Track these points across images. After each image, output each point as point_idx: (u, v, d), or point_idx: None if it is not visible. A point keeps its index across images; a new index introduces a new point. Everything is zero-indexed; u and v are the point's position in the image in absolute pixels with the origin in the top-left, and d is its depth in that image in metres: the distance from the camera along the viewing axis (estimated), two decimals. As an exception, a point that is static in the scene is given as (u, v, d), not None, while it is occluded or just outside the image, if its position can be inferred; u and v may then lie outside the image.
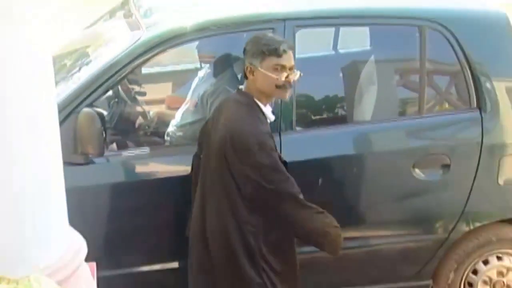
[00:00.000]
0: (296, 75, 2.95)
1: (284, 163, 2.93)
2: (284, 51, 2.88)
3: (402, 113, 3.86)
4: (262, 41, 2.94)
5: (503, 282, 3.79)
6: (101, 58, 3.40)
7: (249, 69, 2.94)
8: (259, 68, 2.89)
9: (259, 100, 2.96)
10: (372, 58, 3.82)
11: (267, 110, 2.99)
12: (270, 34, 3.09)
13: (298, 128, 3.41)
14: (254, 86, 2.95)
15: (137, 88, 4.18)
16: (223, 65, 3.93)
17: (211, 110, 3.72)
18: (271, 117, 3.01)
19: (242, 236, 2.88)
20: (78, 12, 5.74)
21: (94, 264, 2.39)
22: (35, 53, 1.87)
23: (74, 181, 2.61)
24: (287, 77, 2.88)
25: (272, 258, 2.95)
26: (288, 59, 2.90)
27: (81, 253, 2.13)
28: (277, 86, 2.89)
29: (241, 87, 3.05)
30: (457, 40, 3.50)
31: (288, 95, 2.97)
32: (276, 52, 2.87)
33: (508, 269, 3.78)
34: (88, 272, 2.22)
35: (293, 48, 2.99)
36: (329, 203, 3.46)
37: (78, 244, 2.15)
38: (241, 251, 2.89)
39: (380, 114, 3.72)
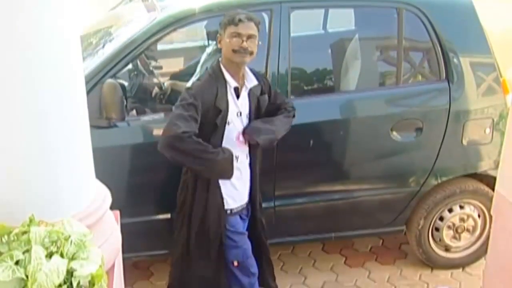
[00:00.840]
0: (254, 44, 2.89)
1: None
2: (240, 20, 2.86)
3: (382, 84, 3.85)
4: (228, 14, 2.93)
5: (464, 227, 3.86)
6: (122, 36, 3.38)
7: (218, 39, 2.97)
8: (223, 37, 2.91)
9: (227, 66, 2.94)
10: (357, 36, 3.78)
11: (228, 75, 2.93)
12: (242, 11, 2.98)
13: (292, 97, 3.40)
14: (223, 54, 2.96)
15: (153, 62, 4.17)
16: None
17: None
18: (230, 83, 2.94)
19: None
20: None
21: (118, 212, 2.39)
22: (66, 33, 1.87)
23: (100, 142, 2.63)
24: (242, 43, 2.85)
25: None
26: (244, 28, 2.86)
27: (106, 202, 2.13)
28: (233, 51, 2.87)
29: None
30: (429, 21, 3.50)
31: (244, 60, 2.90)
32: (233, 22, 2.86)
33: (468, 216, 3.84)
34: (113, 218, 2.23)
35: (253, 20, 2.90)
36: (319, 161, 3.52)
37: (104, 194, 2.15)
38: None
39: (363, 85, 3.70)
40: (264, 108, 3.10)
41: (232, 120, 2.97)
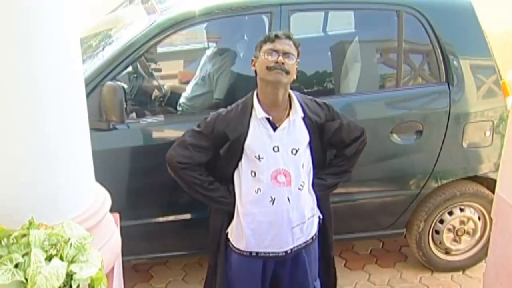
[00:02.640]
0: (292, 63, 2.62)
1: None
2: (276, 36, 2.63)
3: (382, 86, 3.82)
4: (265, 36, 2.71)
5: (464, 229, 3.85)
6: (122, 39, 3.38)
7: (253, 62, 2.71)
8: (257, 56, 2.68)
9: (261, 94, 2.67)
10: (357, 38, 3.78)
11: (257, 104, 2.65)
12: None
13: (291, 99, 3.41)
14: (258, 79, 2.68)
15: (153, 65, 4.18)
16: (227, 45, 3.93)
17: (216, 84, 3.73)
18: (258, 112, 2.64)
19: None
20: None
21: (117, 214, 2.41)
22: (66, 35, 1.88)
23: (99, 144, 2.63)
24: (277, 58, 2.58)
25: None
26: (281, 44, 2.61)
27: (106, 205, 2.14)
28: (267, 68, 2.58)
29: None
30: (429, 24, 3.49)
31: (280, 78, 2.58)
32: (269, 38, 2.64)
33: (468, 218, 3.84)
34: (112, 221, 2.24)
35: (292, 38, 2.67)
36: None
37: (103, 197, 2.16)
38: None
39: (363, 87, 3.69)
40: (331, 134, 2.82)
41: (266, 156, 2.66)
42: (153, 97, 4.01)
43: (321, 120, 2.79)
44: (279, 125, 2.68)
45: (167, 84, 4.18)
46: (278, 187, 2.69)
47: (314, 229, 2.88)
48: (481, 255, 3.86)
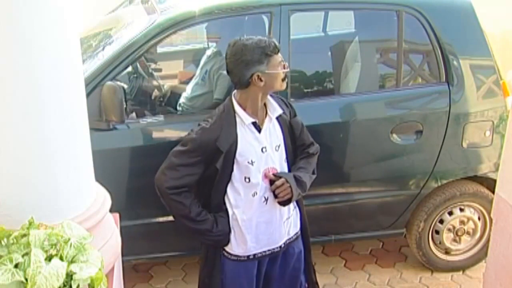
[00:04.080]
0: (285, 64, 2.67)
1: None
2: (276, 46, 2.60)
3: (382, 86, 3.83)
4: (258, 45, 2.55)
5: (464, 229, 3.86)
6: (121, 39, 3.38)
7: (256, 77, 2.56)
8: (268, 71, 2.56)
9: (248, 101, 2.64)
10: (356, 38, 3.78)
11: (242, 112, 2.63)
12: (251, 37, 2.63)
13: (292, 99, 3.39)
14: (258, 91, 2.61)
15: (153, 65, 4.18)
16: (227, 45, 3.92)
17: (216, 84, 3.73)
18: (245, 119, 2.63)
19: None
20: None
21: (117, 214, 2.41)
22: (66, 35, 1.88)
23: (99, 144, 2.64)
24: (285, 67, 2.63)
25: None
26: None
27: (106, 205, 2.14)
28: (282, 79, 2.62)
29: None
30: (429, 24, 3.49)
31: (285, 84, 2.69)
32: (274, 50, 2.57)
33: (468, 219, 3.84)
34: (112, 221, 2.24)
35: None
36: (318, 164, 3.51)
37: (103, 197, 2.16)
38: None
39: (363, 87, 3.69)
40: (299, 130, 2.85)
41: (257, 159, 2.66)
42: (153, 97, 4.01)
43: (288, 117, 2.82)
44: (262, 126, 2.70)
45: (167, 84, 4.18)
46: (268, 185, 2.73)
47: (298, 221, 2.94)
48: (481, 255, 3.86)
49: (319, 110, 3.51)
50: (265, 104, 2.71)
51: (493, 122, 3.63)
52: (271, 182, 2.71)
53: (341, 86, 3.74)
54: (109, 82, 3.09)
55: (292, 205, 2.85)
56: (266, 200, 2.73)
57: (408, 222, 3.80)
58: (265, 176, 2.71)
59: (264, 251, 2.82)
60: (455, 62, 3.52)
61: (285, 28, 3.33)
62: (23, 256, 1.66)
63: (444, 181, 3.68)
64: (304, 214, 2.98)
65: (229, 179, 2.69)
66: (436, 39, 3.49)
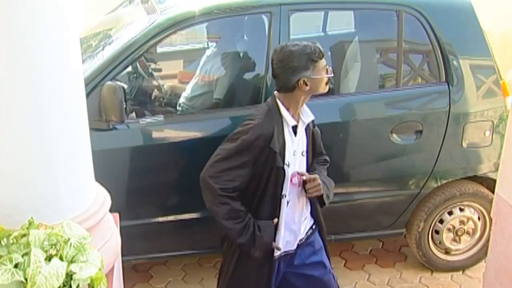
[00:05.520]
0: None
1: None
2: (321, 50, 2.64)
3: (382, 86, 3.82)
4: (304, 51, 2.60)
5: (464, 229, 3.86)
6: (121, 39, 3.38)
7: (302, 82, 2.60)
8: (314, 76, 2.61)
9: (291, 103, 2.67)
10: (356, 38, 3.78)
11: (286, 113, 2.66)
12: (296, 42, 2.66)
13: (291, 99, 3.41)
14: (302, 95, 2.66)
15: (153, 65, 4.18)
16: (227, 44, 3.93)
17: (216, 84, 3.73)
18: (289, 121, 2.66)
19: None
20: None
21: (117, 214, 2.41)
22: (65, 35, 1.88)
23: (99, 144, 2.64)
24: (328, 71, 2.67)
25: None
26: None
27: (105, 205, 2.14)
28: (326, 83, 2.68)
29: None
30: (429, 24, 3.49)
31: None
32: (319, 55, 2.62)
33: (468, 218, 3.84)
34: (112, 221, 2.24)
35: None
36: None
37: (103, 197, 2.16)
38: None
39: (363, 87, 3.69)
40: (318, 141, 2.90)
41: (289, 161, 2.69)
42: (153, 97, 4.01)
43: (312, 125, 2.85)
44: (297, 129, 2.72)
45: (167, 84, 4.18)
46: (292, 188, 2.74)
47: (310, 221, 2.94)
48: (481, 255, 3.86)
49: (319, 110, 3.46)
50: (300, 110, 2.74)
51: (493, 122, 3.63)
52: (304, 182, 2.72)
53: (341, 86, 3.74)
54: (109, 82, 3.09)
55: (308, 209, 2.88)
56: (288, 203, 2.75)
57: (408, 222, 3.80)
58: (291, 180, 2.71)
59: (282, 252, 2.83)
60: (455, 62, 3.52)
61: (285, 28, 3.33)
62: (23, 256, 1.66)
63: (444, 181, 3.68)
64: (320, 219, 2.97)
65: (284, 178, 2.68)
66: (436, 39, 3.49)
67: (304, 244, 2.90)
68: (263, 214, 2.72)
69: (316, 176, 2.74)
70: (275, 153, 2.62)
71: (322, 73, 2.65)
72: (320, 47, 2.65)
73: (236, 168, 2.63)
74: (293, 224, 2.81)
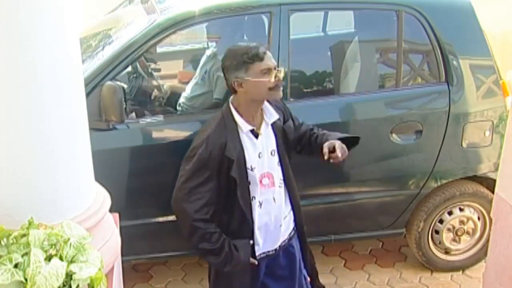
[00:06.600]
0: (282, 73, 2.59)
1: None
2: (264, 53, 2.56)
3: (382, 86, 3.83)
4: (239, 52, 2.58)
5: (464, 229, 3.86)
6: (121, 39, 3.38)
7: (236, 83, 2.58)
8: (247, 78, 2.56)
9: (244, 109, 2.64)
10: (356, 38, 3.79)
11: (240, 120, 2.63)
12: (243, 42, 2.70)
13: (291, 99, 3.39)
14: (244, 97, 2.62)
15: (153, 65, 4.18)
16: (227, 44, 3.91)
17: (216, 84, 3.73)
18: (243, 127, 2.64)
19: None
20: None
21: (117, 214, 2.41)
22: (65, 35, 1.87)
23: (99, 144, 2.63)
24: (276, 77, 2.56)
25: None
26: (270, 60, 2.59)
27: (105, 205, 2.13)
28: (270, 89, 2.57)
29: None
30: (429, 24, 3.49)
31: (280, 94, 2.64)
32: (258, 57, 2.54)
33: (468, 218, 3.84)
34: (112, 221, 2.24)
35: (268, 49, 2.66)
36: (318, 164, 3.51)
37: (103, 197, 2.15)
38: None
39: (363, 87, 3.69)
40: (292, 134, 2.87)
41: (252, 165, 2.67)
42: (152, 97, 4.01)
43: (282, 122, 2.82)
44: (259, 131, 2.71)
45: (167, 84, 4.18)
46: (263, 190, 2.73)
47: (292, 222, 2.94)
48: (481, 255, 3.86)
49: (318, 110, 3.51)
50: (261, 109, 2.72)
51: (492, 122, 3.63)
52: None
53: (340, 86, 3.74)
54: (109, 82, 3.09)
55: (287, 207, 2.87)
56: (261, 204, 2.74)
57: (407, 222, 3.80)
58: (260, 181, 2.72)
59: (260, 254, 2.82)
60: (454, 62, 3.52)
61: (284, 28, 3.33)
62: (22, 256, 1.66)
63: (444, 181, 3.68)
64: (300, 216, 2.97)
65: (248, 185, 2.68)
66: (436, 39, 3.49)
67: (284, 247, 2.89)
68: (236, 219, 2.73)
69: (333, 142, 2.74)
70: (233, 160, 2.60)
71: (259, 76, 2.55)
72: (260, 49, 2.57)
73: (202, 185, 2.63)
74: (271, 224, 2.79)
